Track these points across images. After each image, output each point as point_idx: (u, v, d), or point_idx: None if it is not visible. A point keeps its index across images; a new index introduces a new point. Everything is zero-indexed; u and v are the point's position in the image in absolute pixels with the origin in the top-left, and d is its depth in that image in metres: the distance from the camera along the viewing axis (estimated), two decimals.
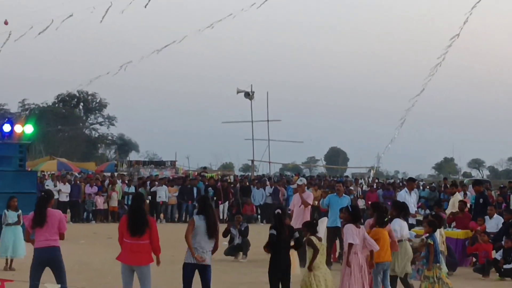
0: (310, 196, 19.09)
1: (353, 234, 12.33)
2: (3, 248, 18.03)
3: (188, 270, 11.56)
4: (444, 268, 14.27)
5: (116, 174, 45.77)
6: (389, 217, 13.84)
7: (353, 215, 12.74)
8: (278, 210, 12.35)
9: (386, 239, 13.03)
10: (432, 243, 13.74)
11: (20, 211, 18.32)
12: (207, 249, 11.51)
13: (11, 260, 17.92)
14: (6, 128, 26.55)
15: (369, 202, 32.15)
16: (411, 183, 21.65)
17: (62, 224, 11.48)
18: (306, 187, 19.87)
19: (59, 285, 10.87)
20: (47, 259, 11.37)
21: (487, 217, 20.64)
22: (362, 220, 13.21)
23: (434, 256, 13.71)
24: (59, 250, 11.46)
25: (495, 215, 20.75)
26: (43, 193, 11.92)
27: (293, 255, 16.39)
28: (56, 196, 31.43)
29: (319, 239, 12.55)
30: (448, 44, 12.62)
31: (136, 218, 11.10)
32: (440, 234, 15.45)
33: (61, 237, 11.52)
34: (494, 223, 20.40)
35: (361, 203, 32.04)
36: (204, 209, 11.66)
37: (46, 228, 11.36)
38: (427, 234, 13.91)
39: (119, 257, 11.21)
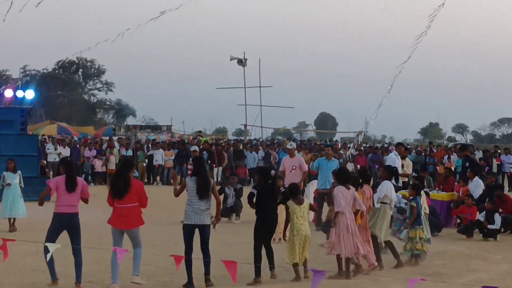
0: (302, 160, 19.73)
1: (340, 200, 12.71)
2: (4, 209, 18.59)
3: (187, 230, 12.11)
4: (427, 233, 14.83)
5: (115, 138, 46.37)
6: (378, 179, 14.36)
7: (340, 177, 13.19)
8: (273, 171, 13.08)
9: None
10: (415, 205, 14.47)
11: (19, 172, 18.95)
12: (201, 208, 12.00)
13: (14, 220, 18.50)
14: (8, 93, 27.33)
15: (358, 166, 33.30)
16: (399, 147, 22.00)
17: (85, 190, 11.86)
18: (296, 151, 20.39)
19: (59, 245, 11.46)
20: (67, 224, 11.78)
21: (468, 180, 21.38)
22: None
23: (417, 218, 14.46)
24: (78, 216, 11.84)
25: (475, 178, 21.44)
26: (69, 159, 12.41)
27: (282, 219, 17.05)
28: (56, 159, 32.25)
29: (300, 202, 12.93)
30: (433, 13, 13.33)
31: (120, 183, 11.71)
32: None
33: (86, 201, 11.97)
34: (473, 185, 21.14)
35: (350, 166, 32.83)
36: (198, 170, 12.21)
37: (71, 194, 11.77)
38: (411, 197, 14.66)
39: (109, 220, 11.86)
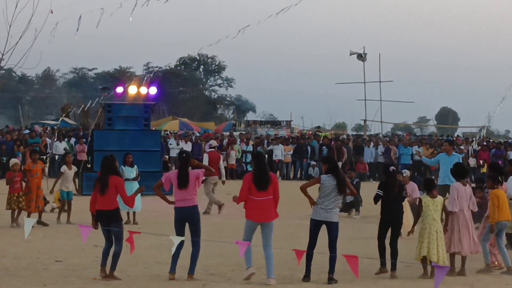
0: (415, 189, 19.07)
1: (455, 198, 12.59)
2: (121, 202, 19.12)
3: (313, 225, 12.12)
4: None
5: (236, 133, 46.92)
6: (503, 176, 13.87)
7: (456, 173, 13.00)
8: (392, 167, 13.05)
9: (504, 199, 13.05)
10: None
11: (136, 167, 19.40)
12: (331, 207, 11.99)
13: (134, 214, 18.93)
14: (132, 89, 28.04)
15: (480, 161, 32.59)
16: None
17: (198, 181, 12.01)
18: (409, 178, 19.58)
19: (183, 238, 11.74)
20: (186, 217, 12.02)
21: None
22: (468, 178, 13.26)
23: None
24: (196, 208, 12.07)
25: None
26: (184, 155, 12.37)
27: (408, 214, 16.79)
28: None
29: (434, 196, 12.71)
30: None
31: (262, 174, 11.83)
32: None
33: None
34: None
35: (472, 161, 32.23)
36: (334, 168, 12.21)
37: (184, 190, 11.95)
38: None
39: (247, 215, 11.88)
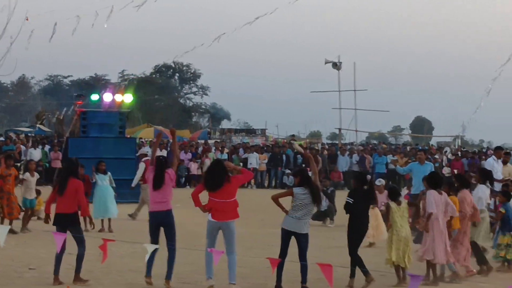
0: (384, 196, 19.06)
1: (433, 201, 12.63)
2: (96, 210, 18.83)
3: (284, 234, 12.11)
4: None
5: (211, 141, 46.91)
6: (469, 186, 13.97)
7: (431, 181, 13.03)
8: (368, 176, 13.11)
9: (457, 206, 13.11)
10: (503, 211, 14.25)
11: (109, 174, 19.40)
12: (301, 217, 11.99)
13: (109, 221, 18.85)
14: (107, 97, 27.98)
15: (454, 171, 32.75)
16: (498, 151, 21.48)
17: (173, 182, 12.03)
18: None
19: (157, 246, 11.67)
20: (160, 221, 12.03)
21: None
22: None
23: (507, 224, 14.16)
24: (171, 212, 12.07)
25: None
26: (161, 157, 12.44)
27: (378, 220, 16.96)
28: None
29: (399, 203, 12.94)
30: None
31: (215, 175, 11.83)
32: None
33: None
34: None
35: (446, 170, 32.43)
36: (306, 181, 12.18)
37: (159, 191, 11.99)
38: (501, 203, 14.38)
39: (211, 215, 11.84)
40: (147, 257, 11.50)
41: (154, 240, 11.98)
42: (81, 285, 11.70)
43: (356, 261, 12.46)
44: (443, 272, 12.98)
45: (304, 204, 12.00)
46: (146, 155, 22.78)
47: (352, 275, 12.43)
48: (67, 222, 11.92)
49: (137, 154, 24.36)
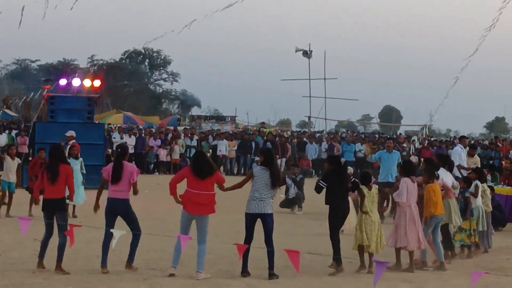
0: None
1: (405, 189, 12.71)
2: None
3: (248, 219, 12.04)
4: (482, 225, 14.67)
5: (180, 128, 46.75)
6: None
7: (405, 168, 13.21)
8: (343, 159, 12.92)
9: (439, 194, 13.25)
10: (469, 196, 14.46)
11: (81, 159, 19.21)
12: (263, 198, 11.90)
13: (73, 207, 18.54)
14: (76, 82, 27.72)
15: (422, 159, 32.89)
16: (464, 140, 21.88)
17: (132, 176, 11.92)
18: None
19: (124, 232, 11.65)
20: (116, 209, 11.96)
21: None
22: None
23: (470, 210, 14.36)
24: (127, 201, 11.99)
25: None
26: (119, 150, 12.36)
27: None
28: None
29: (370, 188, 12.98)
30: (502, 5, 13.16)
31: (203, 165, 11.81)
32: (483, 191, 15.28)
33: (134, 189, 11.97)
34: None
35: (414, 159, 32.59)
36: (269, 161, 12.13)
37: (117, 184, 11.92)
38: (463, 189, 14.51)
39: (185, 207, 11.76)
40: (114, 242, 11.46)
41: (109, 226, 11.88)
42: (61, 274, 11.56)
43: (334, 244, 12.42)
44: (425, 260, 13.06)
45: (263, 184, 11.90)
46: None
47: (338, 261, 12.33)
48: (54, 208, 11.84)
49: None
